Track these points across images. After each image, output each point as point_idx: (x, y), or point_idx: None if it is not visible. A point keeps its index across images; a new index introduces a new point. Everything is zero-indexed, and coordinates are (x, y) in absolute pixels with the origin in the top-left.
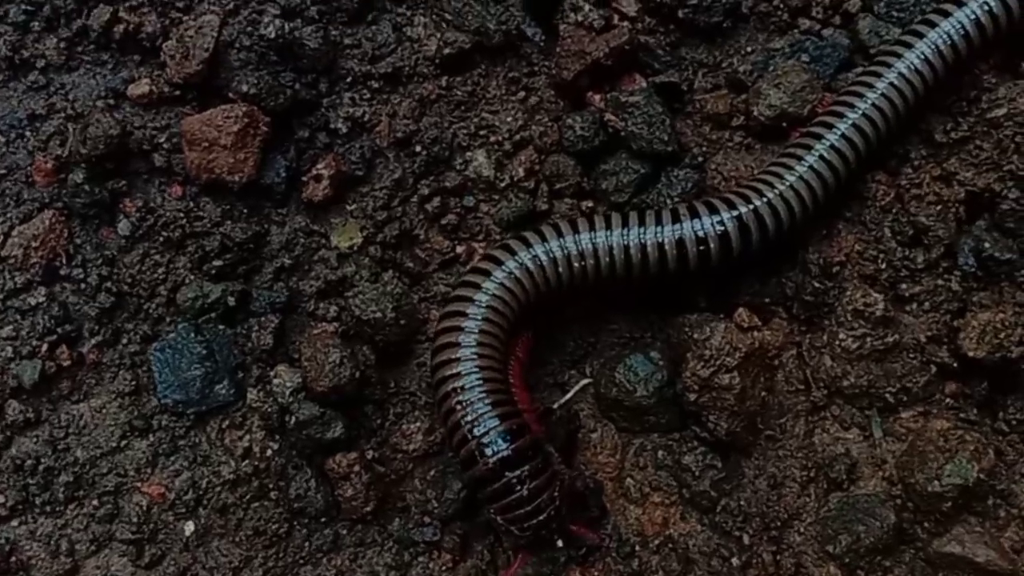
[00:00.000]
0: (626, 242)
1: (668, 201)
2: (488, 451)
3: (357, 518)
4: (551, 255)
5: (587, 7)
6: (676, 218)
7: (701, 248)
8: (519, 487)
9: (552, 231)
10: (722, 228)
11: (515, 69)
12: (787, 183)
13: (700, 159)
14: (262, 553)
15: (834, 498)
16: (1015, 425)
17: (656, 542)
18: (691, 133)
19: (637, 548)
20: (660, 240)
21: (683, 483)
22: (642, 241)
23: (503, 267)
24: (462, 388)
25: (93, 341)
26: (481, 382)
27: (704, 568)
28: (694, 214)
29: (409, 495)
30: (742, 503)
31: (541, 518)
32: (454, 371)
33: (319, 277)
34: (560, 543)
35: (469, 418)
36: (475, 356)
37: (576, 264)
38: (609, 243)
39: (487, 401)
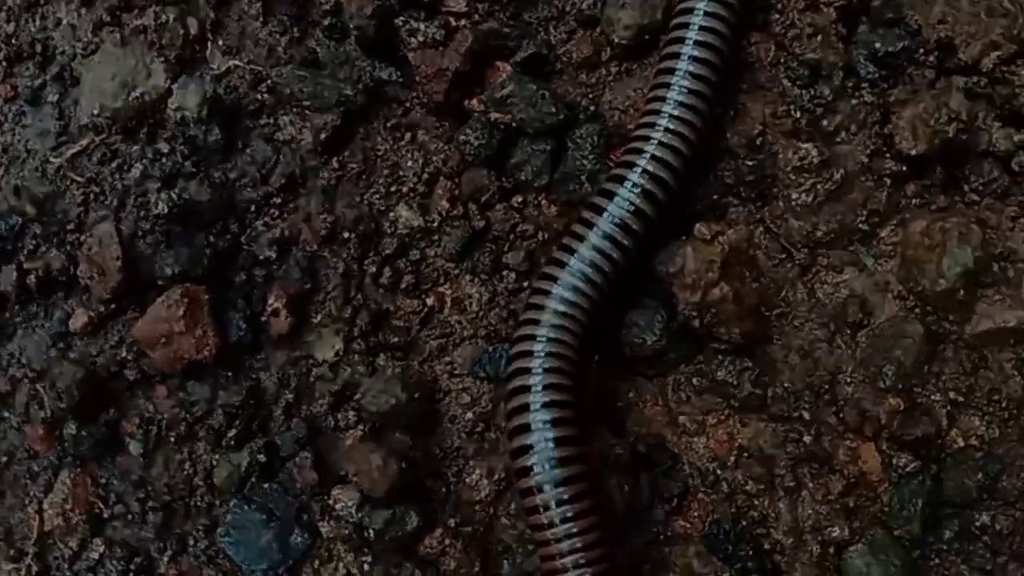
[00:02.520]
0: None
1: (586, 163)
2: None
3: None
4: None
5: (422, 26)
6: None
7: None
8: None
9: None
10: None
11: (391, 116)
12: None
13: (592, 108)
14: None
15: (862, 338)
16: (982, 189)
17: (732, 458)
18: (572, 88)
19: (719, 472)
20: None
21: (728, 396)
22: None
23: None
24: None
25: (166, 558)
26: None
27: (785, 459)
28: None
29: (503, 535)
30: (787, 385)
31: None
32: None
33: (323, 395)
34: None
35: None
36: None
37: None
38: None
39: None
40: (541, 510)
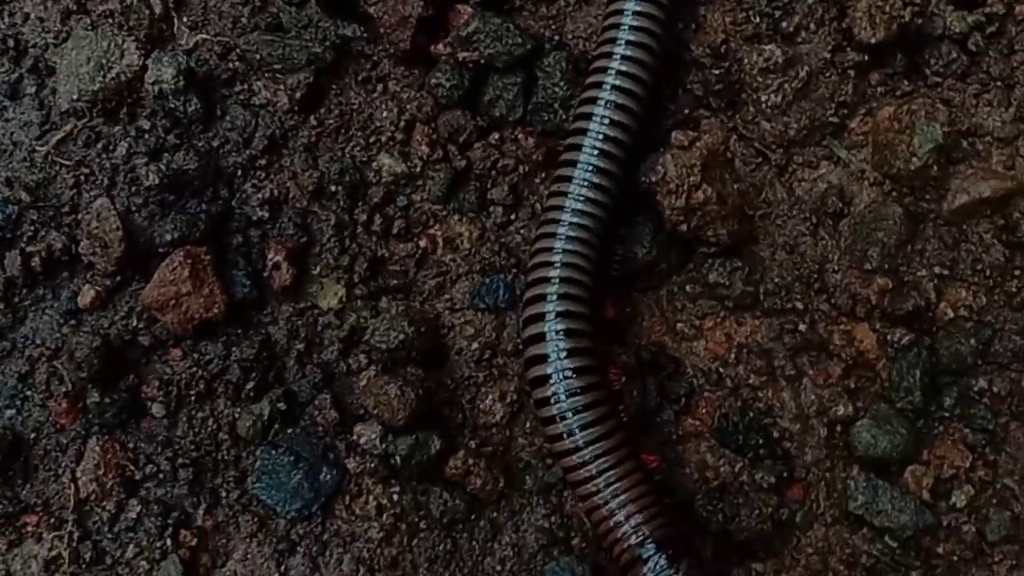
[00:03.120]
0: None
1: (558, 90)
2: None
3: (497, 497)
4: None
5: None
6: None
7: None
8: None
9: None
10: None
11: (360, 71)
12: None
13: (556, 37)
14: (445, 572)
15: (844, 226)
16: (943, 71)
17: (732, 356)
18: (534, 21)
19: (721, 370)
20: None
21: (721, 297)
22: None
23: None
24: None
25: (201, 511)
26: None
27: (783, 350)
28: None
29: (523, 453)
30: (777, 280)
31: None
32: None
33: (333, 341)
34: None
35: (625, 535)
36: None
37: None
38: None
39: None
40: (565, 436)
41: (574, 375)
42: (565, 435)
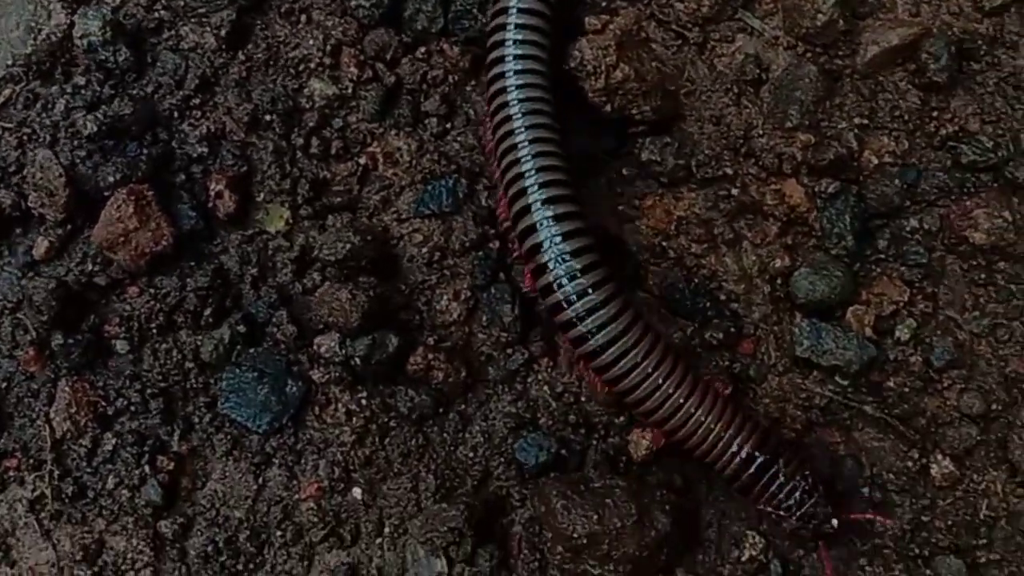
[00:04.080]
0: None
1: None
2: (744, 463)
3: (462, 390)
4: None
5: None
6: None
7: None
8: (779, 482)
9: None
10: None
11: (283, 3)
12: None
13: None
14: (419, 465)
15: (765, 92)
16: None
17: (673, 229)
18: None
19: (664, 244)
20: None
21: (656, 175)
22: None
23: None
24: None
25: (176, 437)
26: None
27: (720, 217)
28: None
29: (483, 348)
30: (707, 151)
31: (808, 503)
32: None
33: (285, 264)
34: (835, 523)
35: (724, 439)
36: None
37: None
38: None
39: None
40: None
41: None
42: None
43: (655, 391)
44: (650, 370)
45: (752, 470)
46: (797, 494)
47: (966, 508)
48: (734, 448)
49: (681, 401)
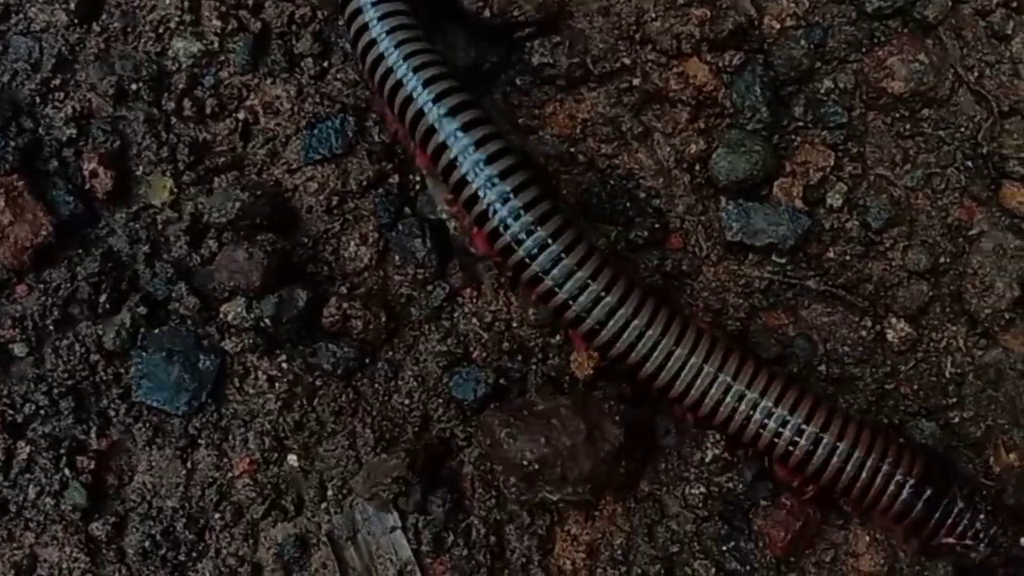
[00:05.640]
0: None
1: None
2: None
3: (386, 336)
4: None
5: None
6: None
7: None
8: (958, 509)
9: None
10: None
11: None
12: None
13: None
14: (354, 420)
15: None
16: None
17: (579, 132)
18: None
19: (572, 149)
20: None
21: (552, 78)
22: None
23: None
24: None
25: (93, 435)
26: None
27: (626, 112)
28: None
29: (401, 289)
30: (601, 45)
31: (993, 526)
32: None
33: (177, 236)
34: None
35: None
36: None
37: None
38: None
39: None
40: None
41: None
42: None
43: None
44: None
45: (922, 503)
46: (981, 519)
47: (930, 369)
48: (897, 479)
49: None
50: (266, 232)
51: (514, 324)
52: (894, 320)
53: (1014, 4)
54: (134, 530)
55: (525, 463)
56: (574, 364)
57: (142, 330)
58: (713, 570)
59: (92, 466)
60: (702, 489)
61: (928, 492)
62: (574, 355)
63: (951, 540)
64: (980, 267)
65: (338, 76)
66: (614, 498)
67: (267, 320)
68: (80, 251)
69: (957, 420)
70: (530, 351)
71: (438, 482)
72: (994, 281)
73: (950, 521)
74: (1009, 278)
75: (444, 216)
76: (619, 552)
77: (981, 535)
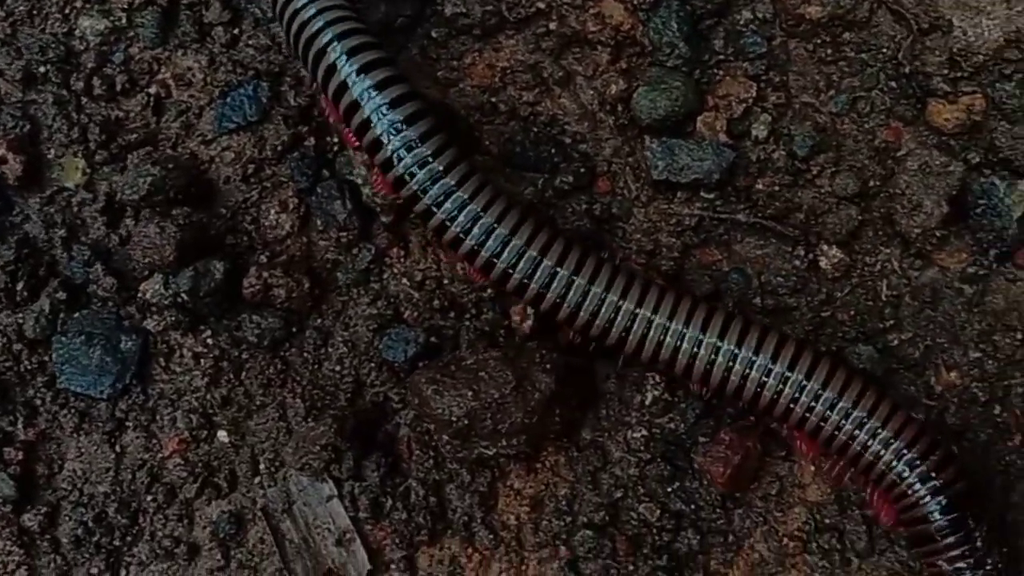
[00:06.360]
0: None
1: None
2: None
3: (312, 304)
4: None
5: None
6: None
7: None
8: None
9: None
10: None
11: None
12: None
13: None
14: (283, 392)
15: None
16: None
17: (499, 81)
18: None
19: (493, 99)
20: None
21: (468, 28)
22: None
23: None
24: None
25: (20, 425)
26: None
27: (545, 58)
28: None
29: (327, 255)
30: None
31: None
32: None
33: (94, 217)
34: None
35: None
36: None
37: None
38: None
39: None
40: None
41: None
42: None
43: None
44: None
45: (947, 522)
46: (989, 561)
47: (866, 294)
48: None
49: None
50: (181, 206)
51: (445, 281)
52: (826, 247)
53: None
54: (67, 518)
55: (454, 419)
56: (515, 319)
57: (62, 315)
58: (659, 512)
59: (21, 457)
60: (644, 432)
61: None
62: (514, 308)
63: (937, 563)
64: (907, 187)
65: (250, 42)
66: (555, 449)
67: (184, 295)
68: None
69: (896, 343)
70: (463, 307)
71: (372, 447)
72: (922, 200)
73: (957, 552)
74: (937, 195)
75: (360, 181)
76: (563, 503)
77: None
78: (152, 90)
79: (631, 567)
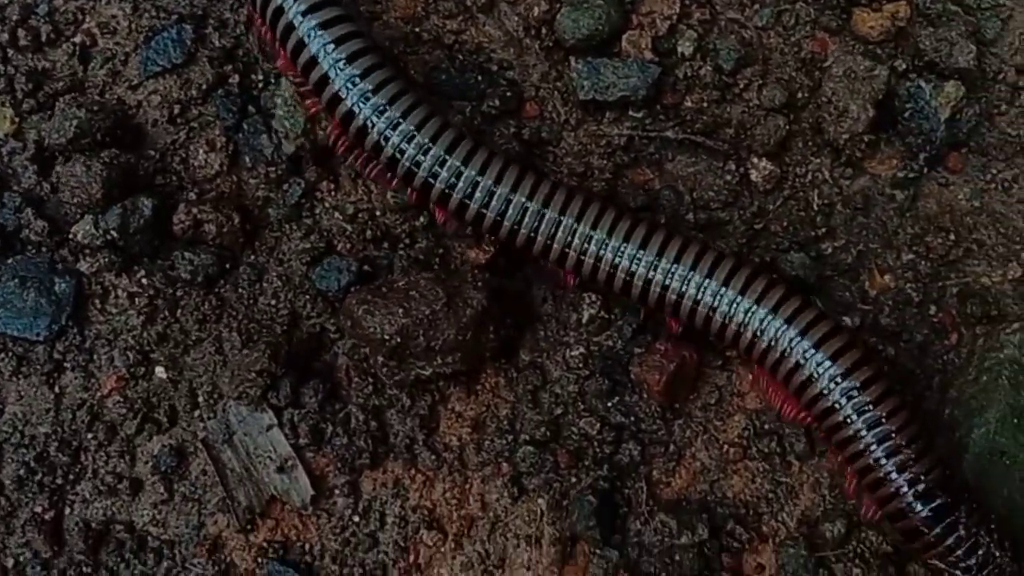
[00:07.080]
0: None
1: None
2: (919, 505)
3: (245, 241)
4: None
5: None
6: None
7: None
8: (958, 535)
9: None
10: None
11: None
12: None
13: None
14: (219, 327)
15: None
16: None
17: (422, 10)
18: None
19: (417, 29)
20: None
21: None
22: None
23: None
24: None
25: None
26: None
27: None
28: None
29: (258, 192)
30: None
31: (993, 563)
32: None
33: (24, 166)
34: None
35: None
36: None
37: None
38: None
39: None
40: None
41: None
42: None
43: None
44: None
45: (928, 513)
46: (981, 551)
47: (798, 204)
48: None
49: None
50: (109, 148)
51: (377, 212)
52: (756, 160)
53: None
54: (9, 461)
55: (387, 337)
56: (472, 254)
57: None
58: (599, 426)
59: None
60: (582, 350)
61: (936, 502)
62: (472, 250)
63: (937, 563)
64: (834, 94)
65: None
66: (495, 371)
67: (114, 232)
68: None
69: (829, 250)
70: (396, 237)
71: (309, 374)
72: (848, 105)
73: (946, 544)
74: (863, 100)
75: (281, 113)
76: (505, 422)
77: (976, 569)
78: (77, 39)
79: (573, 479)
